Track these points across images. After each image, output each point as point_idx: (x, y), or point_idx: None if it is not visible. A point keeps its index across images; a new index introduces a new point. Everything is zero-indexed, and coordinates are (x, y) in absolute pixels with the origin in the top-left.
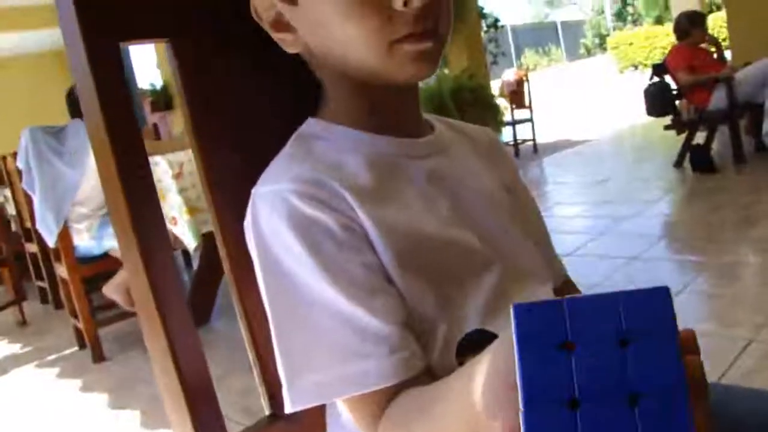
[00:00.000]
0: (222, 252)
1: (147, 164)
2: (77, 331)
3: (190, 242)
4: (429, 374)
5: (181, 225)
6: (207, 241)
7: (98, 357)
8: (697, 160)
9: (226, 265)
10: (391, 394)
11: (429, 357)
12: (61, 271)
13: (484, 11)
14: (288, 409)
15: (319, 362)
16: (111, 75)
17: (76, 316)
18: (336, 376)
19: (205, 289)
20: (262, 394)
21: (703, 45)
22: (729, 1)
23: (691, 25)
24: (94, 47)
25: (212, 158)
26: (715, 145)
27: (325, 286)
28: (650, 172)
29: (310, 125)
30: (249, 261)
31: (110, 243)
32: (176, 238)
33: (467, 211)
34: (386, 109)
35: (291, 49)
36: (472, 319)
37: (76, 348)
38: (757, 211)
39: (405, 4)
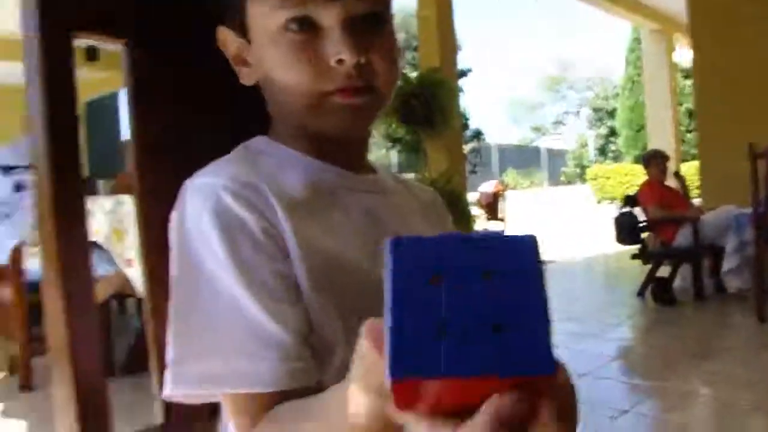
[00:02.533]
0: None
1: (82, 196)
2: (11, 356)
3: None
4: (320, 391)
5: (137, 267)
6: None
7: (26, 385)
8: (658, 292)
9: (147, 294)
10: (275, 401)
11: (324, 376)
12: (6, 292)
13: (468, 122)
14: (167, 391)
15: (210, 352)
16: (59, 62)
17: (12, 340)
18: (223, 369)
19: None
20: (157, 403)
21: (670, 183)
22: (702, 152)
23: (646, 163)
24: (48, 34)
25: (151, 168)
26: (677, 280)
27: (234, 282)
28: (613, 297)
29: (258, 141)
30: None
31: None
32: (127, 281)
33: None
34: (329, 143)
35: (245, 81)
36: None
37: (6, 373)
38: (710, 346)
39: (339, 62)
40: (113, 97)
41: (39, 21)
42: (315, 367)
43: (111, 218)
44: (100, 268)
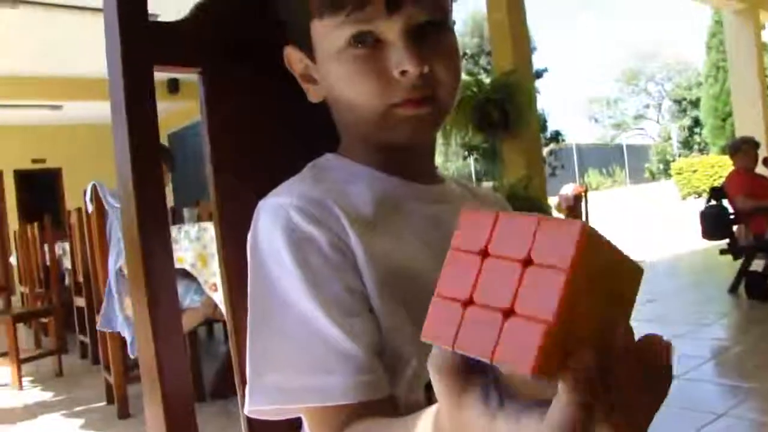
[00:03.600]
0: (225, 299)
1: (167, 226)
2: (108, 385)
3: None
4: (393, 404)
5: (221, 292)
6: None
7: (123, 413)
8: (752, 287)
9: (228, 315)
10: (351, 414)
11: (396, 388)
12: None
13: (546, 123)
14: (246, 408)
15: (284, 367)
16: (141, 93)
17: (109, 370)
18: (299, 384)
19: None
20: (241, 419)
21: (762, 172)
22: None
23: (733, 152)
24: (130, 67)
25: (228, 192)
26: None
27: (305, 297)
28: (703, 295)
29: (327, 158)
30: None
31: None
32: (215, 307)
33: None
34: (396, 156)
35: (313, 99)
36: None
37: (105, 402)
38: None
39: (402, 73)
40: (194, 127)
41: (122, 55)
42: (387, 379)
43: (196, 245)
44: (188, 298)
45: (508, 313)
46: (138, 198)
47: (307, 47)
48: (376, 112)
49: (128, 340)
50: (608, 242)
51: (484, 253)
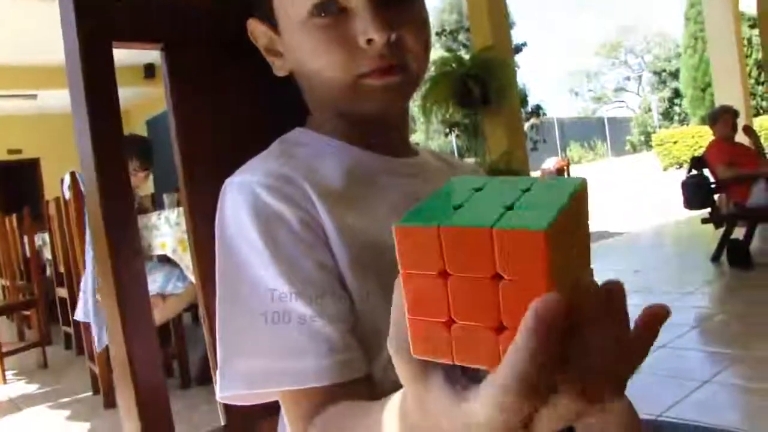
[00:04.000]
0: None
1: (132, 210)
2: (93, 375)
3: None
4: (369, 383)
5: (194, 278)
6: None
7: (110, 402)
8: (734, 256)
9: (201, 302)
10: (326, 396)
11: (373, 369)
12: None
13: (527, 98)
14: (218, 394)
15: (255, 350)
16: (101, 72)
17: (94, 360)
18: (270, 367)
19: None
20: (218, 405)
21: (742, 140)
22: None
23: (713, 121)
24: (88, 45)
25: (195, 171)
26: (755, 241)
27: (274, 275)
28: (686, 265)
29: (294, 133)
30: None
31: None
32: None
33: None
34: (367, 128)
35: (279, 72)
36: None
37: (91, 393)
38: None
39: (368, 42)
40: None
41: (78, 32)
42: (364, 356)
43: (176, 230)
44: (170, 284)
45: (499, 328)
46: (101, 183)
47: (270, 19)
48: (343, 84)
49: (94, 331)
50: (561, 214)
51: (445, 274)
